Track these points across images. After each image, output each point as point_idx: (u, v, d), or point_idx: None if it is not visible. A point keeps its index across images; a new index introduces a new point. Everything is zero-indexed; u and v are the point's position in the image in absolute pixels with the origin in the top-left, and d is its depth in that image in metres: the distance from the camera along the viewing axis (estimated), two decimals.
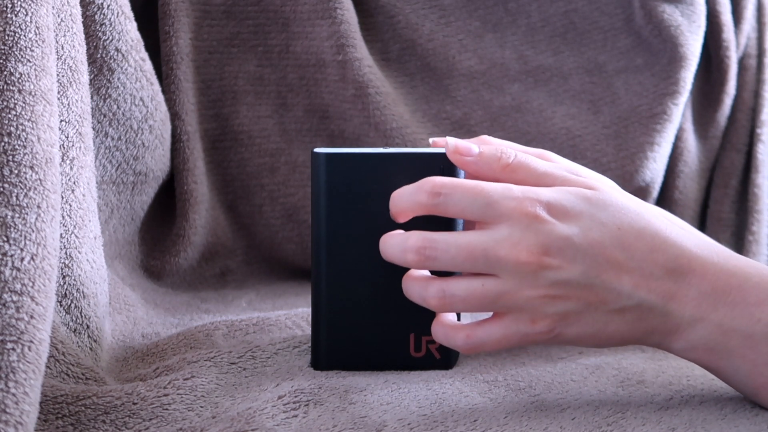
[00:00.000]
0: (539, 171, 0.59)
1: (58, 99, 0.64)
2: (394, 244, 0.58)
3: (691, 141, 0.93)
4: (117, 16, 0.72)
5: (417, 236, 0.57)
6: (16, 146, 0.53)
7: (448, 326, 0.59)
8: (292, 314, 0.70)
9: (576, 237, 0.55)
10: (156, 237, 0.85)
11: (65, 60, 0.64)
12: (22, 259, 0.50)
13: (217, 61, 0.87)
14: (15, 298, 0.48)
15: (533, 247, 0.55)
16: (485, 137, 0.61)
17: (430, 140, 0.62)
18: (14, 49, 0.56)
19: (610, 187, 0.59)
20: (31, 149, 0.53)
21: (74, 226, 0.64)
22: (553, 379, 0.62)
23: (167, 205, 0.85)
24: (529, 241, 0.55)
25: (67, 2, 0.65)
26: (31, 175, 0.53)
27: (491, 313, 0.58)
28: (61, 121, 0.64)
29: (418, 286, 0.58)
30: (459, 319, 0.62)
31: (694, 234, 0.60)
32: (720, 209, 0.93)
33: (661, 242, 0.56)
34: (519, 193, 0.56)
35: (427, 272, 0.59)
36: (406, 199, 0.58)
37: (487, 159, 0.59)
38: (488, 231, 0.56)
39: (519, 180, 0.58)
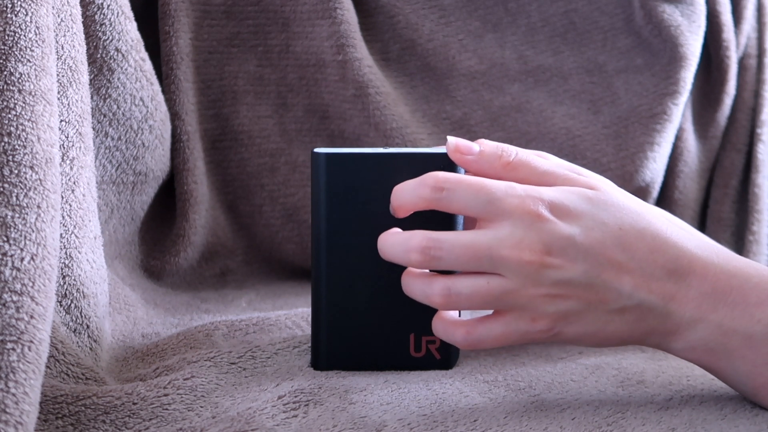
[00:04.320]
0: (541, 169, 0.59)
1: (58, 99, 0.64)
2: (396, 244, 0.58)
3: (691, 141, 0.93)
4: (117, 16, 0.72)
5: (421, 236, 0.57)
6: (16, 146, 0.53)
7: (448, 322, 0.59)
8: (292, 314, 0.70)
9: (578, 237, 0.55)
10: (156, 237, 0.85)
11: (65, 60, 0.64)
12: (22, 259, 0.50)
13: (217, 61, 0.87)
14: (15, 298, 0.48)
15: (535, 246, 0.55)
16: (483, 141, 0.61)
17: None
18: (14, 49, 0.56)
19: (611, 187, 0.59)
20: (31, 149, 0.53)
21: (74, 226, 0.64)
22: (553, 379, 0.62)
23: (167, 205, 0.85)
24: (531, 240, 0.55)
25: (67, 2, 0.65)
26: (31, 175, 0.53)
27: (491, 311, 0.58)
28: (61, 121, 0.64)
29: (420, 283, 0.58)
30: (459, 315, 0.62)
31: (694, 235, 0.60)
32: (720, 209, 0.93)
33: (661, 243, 0.56)
34: (522, 191, 0.56)
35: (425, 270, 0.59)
36: (408, 194, 0.58)
37: (488, 157, 0.59)
38: (491, 230, 0.56)
39: (520, 178, 0.58)
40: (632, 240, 0.56)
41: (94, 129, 0.72)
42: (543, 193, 0.56)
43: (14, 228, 0.51)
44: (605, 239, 0.56)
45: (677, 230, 0.57)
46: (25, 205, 0.52)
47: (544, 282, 0.55)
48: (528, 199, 0.56)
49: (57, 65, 0.63)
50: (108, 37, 0.71)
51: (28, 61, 0.56)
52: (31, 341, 0.47)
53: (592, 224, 0.56)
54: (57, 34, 0.64)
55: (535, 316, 0.56)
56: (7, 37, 0.56)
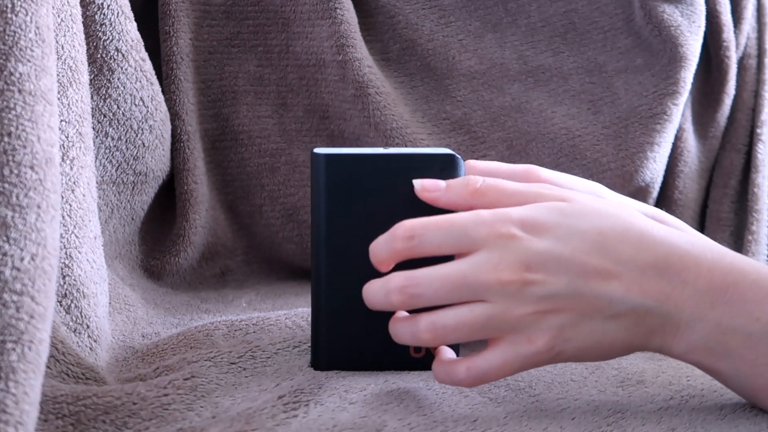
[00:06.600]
0: (509, 190, 0.58)
1: (58, 99, 0.64)
2: (377, 290, 0.57)
3: (691, 141, 0.93)
4: (117, 16, 0.72)
5: (398, 277, 0.56)
6: (16, 146, 0.53)
7: (447, 363, 0.58)
8: (292, 314, 0.70)
9: (555, 249, 0.55)
10: (156, 237, 0.85)
11: (65, 60, 0.64)
12: (22, 259, 0.50)
13: (217, 61, 0.87)
14: (15, 298, 0.48)
15: (514, 266, 0.54)
16: (471, 161, 0.61)
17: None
18: (14, 49, 0.56)
19: (585, 197, 0.58)
20: (31, 149, 0.53)
21: (74, 226, 0.64)
22: (553, 379, 0.62)
23: (167, 205, 0.85)
24: (509, 260, 0.54)
25: (67, 2, 0.65)
26: (31, 175, 0.53)
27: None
28: (61, 121, 0.64)
29: (407, 325, 0.57)
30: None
31: (685, 231, 0.59)
32: (719, 209, 0.93)
33: (649, 242, 0.56)
34: (489, 217, 0.56)
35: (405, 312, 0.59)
36: (383, 250, 0.58)
37: (455, 188, 0.59)
38: (467, 258, 0.56)
39: (490, 202, 0.58)
40: (614, 243, 0.55)
41: (94, 129, 0.73)
42: (511, 213, 0.56)
43: (14, 228, 0.51)
44: (584, 247, 0.55)
45: (664, 228, 0.57)
46: (25, 205, 0.52)
47: (530, 299, 0.54)
48: (497, 222, 0.55)
49: (57, 65, 0.63)
50: (108, 37, 0.71)
51: (28, 61, 0.56)
52: (31, 341, 0.47)
53: (569, 233, 0.55)
54: (57, 34, 0.64)
55: (531, 336, 0.55)
56: (7, 37, 0.56)
